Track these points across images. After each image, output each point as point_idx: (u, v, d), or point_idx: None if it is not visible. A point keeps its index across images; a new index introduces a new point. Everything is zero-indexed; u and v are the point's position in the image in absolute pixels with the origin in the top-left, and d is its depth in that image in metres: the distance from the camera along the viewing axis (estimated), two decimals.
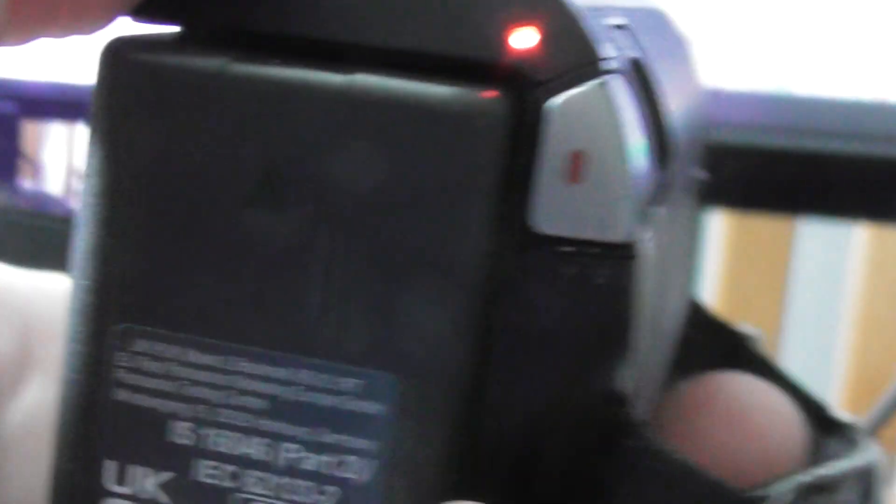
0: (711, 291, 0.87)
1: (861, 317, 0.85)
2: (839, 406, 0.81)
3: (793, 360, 0.90)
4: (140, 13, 0.15)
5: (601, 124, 0.14)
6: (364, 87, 0.14)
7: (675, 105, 0.18)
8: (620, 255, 0.14)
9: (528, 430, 0.15)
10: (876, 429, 0.64)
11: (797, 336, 0.92)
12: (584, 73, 0.14)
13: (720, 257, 0.87)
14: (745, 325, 0.27)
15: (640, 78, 0.16)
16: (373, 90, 0.14)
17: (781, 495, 0.17)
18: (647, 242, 0.15)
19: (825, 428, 0.23)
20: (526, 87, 0.14)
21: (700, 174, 0.25)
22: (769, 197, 0.55)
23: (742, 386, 0.23)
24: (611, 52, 0.15)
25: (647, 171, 0.15)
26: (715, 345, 0.26)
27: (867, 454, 0.21)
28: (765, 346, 0.27)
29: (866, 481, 0.20)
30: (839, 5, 0.52)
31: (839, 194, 0.55)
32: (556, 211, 0.14)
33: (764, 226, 0.86)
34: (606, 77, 0.14)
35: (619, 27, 0.17)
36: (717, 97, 0.53)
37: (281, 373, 0.14)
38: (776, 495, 0.17)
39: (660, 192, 0.16)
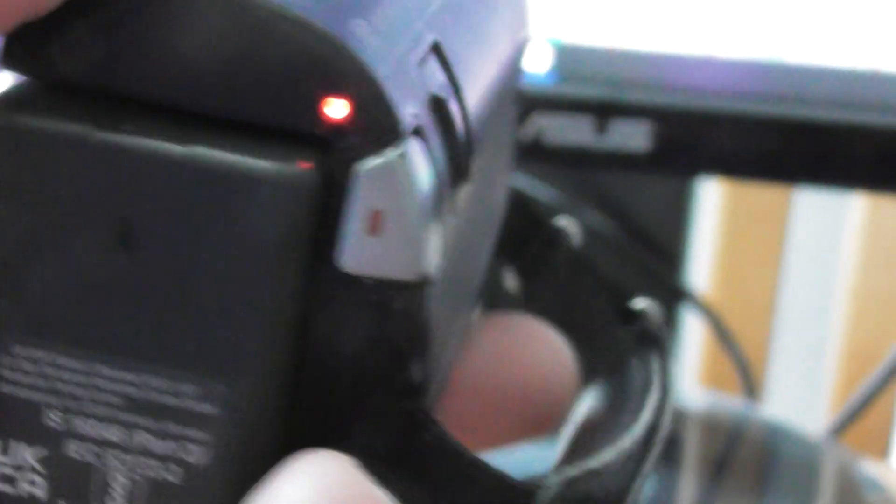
0: (706, 261, 0.86)
1: (857, 287, 0.85)
2: (835, 378, 0.82)
3: (788, 330, 0.89)
4: None
5: (396, 188, 0.17)
6: (201, 159, 0.17)
7: (481, 85, 0.21)
8: (414, 286, 0.18)
9: (341, 424, 0.18)
10: (869, 400, 0.64)
11: (792, 306, 0.91)
12: (386, 140, 0.17)
13: (715, 227, 0.86)
14: (560, 220, 0.30)
15: (441, 113, 0.19)
16: (208, 161, 0.17)
17: (558, 492, 0.19)
18: (437, 269, 0.18)
19: (633, 318, 0.26)
20: (337, 153, 0.17)
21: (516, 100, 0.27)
22: (765, 166, 0.55)
23: (513, 323, 0.25)
24: (411, 110, 0.17)
25: (439, 200, 0.18)
26: (535, 237, 0.29)
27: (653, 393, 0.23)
28: (576, 239, 0.29)
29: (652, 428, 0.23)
30: None
31: (836, 163, 0.54)
32: (359, 257, 0.17)
33: (759, 195, 0.85)
34: (404, 142, 0.17)
35: (432, 49, 0.19)
36: (710, 65, 0.53)
37: (132, 377, 0.17)
38: (545, 487, 0.19)
39: (455, 196, 0.19)
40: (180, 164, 0.17)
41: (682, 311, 0.64)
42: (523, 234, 0.30)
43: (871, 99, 0.52)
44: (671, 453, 0.62)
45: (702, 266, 0.84)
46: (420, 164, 0.17)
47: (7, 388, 0.18)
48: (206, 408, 0.17)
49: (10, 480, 0.18)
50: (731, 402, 0.69)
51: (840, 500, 0.59)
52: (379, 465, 0.18)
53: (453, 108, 0.19)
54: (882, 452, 0.77)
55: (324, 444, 0.18)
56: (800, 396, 0.90)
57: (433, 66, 0.19)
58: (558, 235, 0.29)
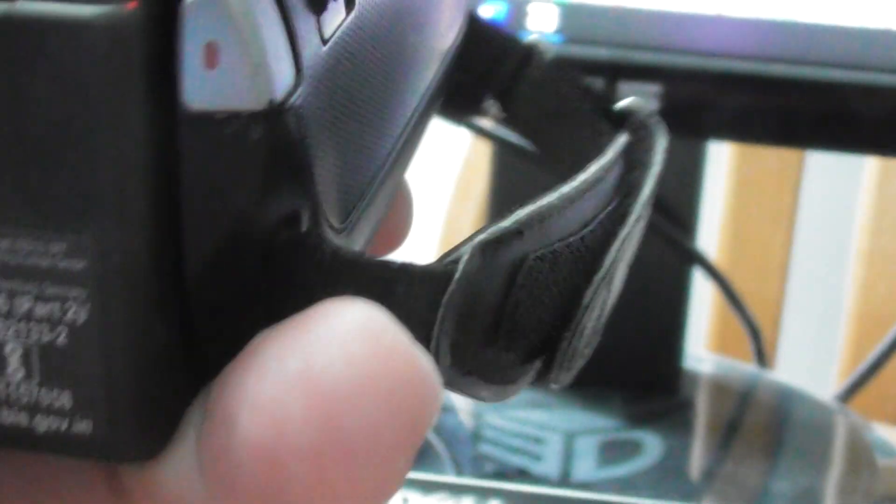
0: (716, 225, 0.86)
1: (869, 251, 0.84)
2: (847, 343, 0.80)
3: (799, 294, 0.89)
4: None
5: (224, 15, 0.17)
6: (23, 14, 0.16)
7: None
8: (267, 113, 0.17)
9: (217, 267, 0.18)
10: (880, 365, 0.63)
11: (804, 270, 0.91)
12: None
13: (725, 190, 0.86)
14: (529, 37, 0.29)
15: None
16: (31, 15, 0.16)
17: (469, 258, 0.18)
18: (300, 92, 0.18)
19: (615, 122, 0.25)
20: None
21: None
22: (775, 129, 0.54)
23: None
24: None
25: (287, 25, 0.18)
26: (506, 56, 0.29)
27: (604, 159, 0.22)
28: (549, 53, 0.29)
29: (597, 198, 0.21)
30: None
31: (848, 126, 0.53)
32: (202, 92, 0.17)
33: (771, 158, 0.84)
34: None
35: None
36: (720, 25, 0.52)
37: (6, 243, 0.17)
38: (464, 260, 0.18)
39: (320, 23, 0.19)
40: (4, 21, 0.16)
41: (693, 274, 0.63)
42: (493, 59, 0.29)
43: (884, 59, 0.52)
44: (682, 416, 0.62)
45: (712, 229, 0.84)
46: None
47: None
48: (77, 263, 0.17)
49: None
50: (742, 367, 0.68)
51: (852, 464, 0.58)
52: (285, 297, 0.18)
53: None
54: (893, 417, 0.77)
55: (215, 289, 0.18)
56: (811, 361, 0.90)
57: None
58: (530, 51, 0.29)
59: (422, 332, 0.18)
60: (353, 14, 0.20)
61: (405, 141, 0.25)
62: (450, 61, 0.28)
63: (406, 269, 0.18)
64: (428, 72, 0.26)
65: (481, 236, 0.19)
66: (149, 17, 0.17)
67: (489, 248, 0.19)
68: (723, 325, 0.84)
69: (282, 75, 0.18)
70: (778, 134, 0.55)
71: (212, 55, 0.17)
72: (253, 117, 0.17)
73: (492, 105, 0.30)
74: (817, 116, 0.53)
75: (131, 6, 0.17)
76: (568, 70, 0.28)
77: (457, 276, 0.18)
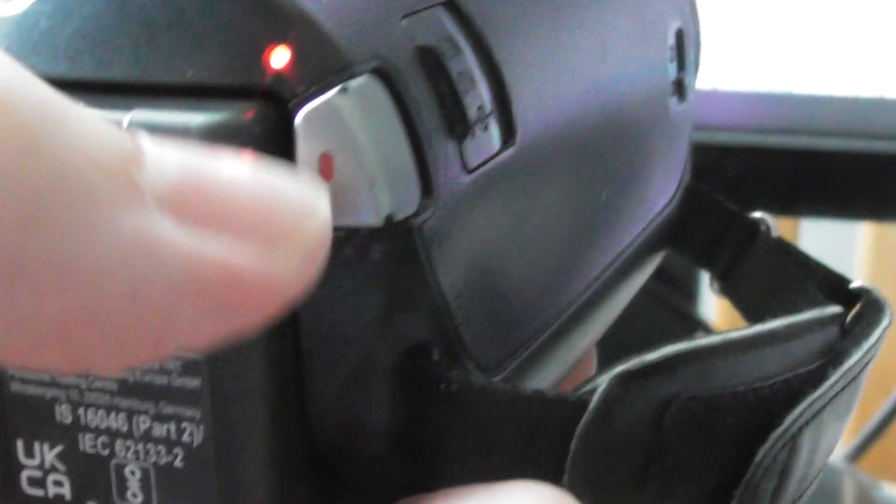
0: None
1: None
2: None
3: None
4: None
5: (340, 126, 0.16)
6: (143, 123, 0.16)
7: (541, 59, 0.20)
8: (390, 231, 0.17)
9: (343, 394, 0.17)
10: (888, 424, 0.63)
11: None
12: (331, 83, 0.17)
13: None
14: (757, 212, 0.28)
15: (430, 62, 0.18)
16: (151, 124, 0.16)
17: (606, 388, 0.17)
18: (429, 214, 0.17)
19: (850, 301, 0.23)
20: (285, 101, 0.17)
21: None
22: (772, 197, 0.55)
23: None
24: (371, 52, 0.17)
25: (419, 146, 0.17)
26: (729, 233, 0.28)
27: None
28: (773, 230, 0.28)
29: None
30: (832, 3, 0.52)
31: (841, 193, 0.54)
32: None
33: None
34: (350, 83, 0.17)
35: (440, 6, 0.19)
36: (715, 99, 0.53)
37: None
38: (600, 390, 0.17)
39: (463, 149, 0.18)
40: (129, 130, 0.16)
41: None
42: (714, 233, 0.29)
43: (875, 126, 0.53)
44: None
45: (712, 297, 0.84)
46: (375, 103, 0.17)
47: (17, 387, 0.18)
48: (191, 382, 0.17)
49: (38, 483, 0.18)
50: None
51: None
52: (409, 423, 0.17)
53: (458, 61, 0.19)
54: None
55: (339, 412, 0.17)
56: None
57: (434, 20, 0.19)
58: (755, 227, 0.28)
59: (552, 461, 0.17)
60: (511, 151, 0.20)
61: (591, 301, 0.23)
62: (660, 229, 0.27)
63: (538, 396, 0.17)
64: (626, 234, 0.25)
65: (622, 367, 0.18)
66: (265, 125, 0.17)
67: (630, 380, 0.18)
68: None
69: (405, 193, 0.17)
70: (774, 203, 0.56)
71: (327, 166, 0.16)
72: (373, 234, 0.17)
73: (713, 280, 0.29)
74: (812, 184, 0.54)
75: (248, 115, 0.16)
76: (794, 248, 0.27)
77: (592, 405, 0.17)
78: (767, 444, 0.19)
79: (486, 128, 0.19)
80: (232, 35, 0.17)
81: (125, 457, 0.18)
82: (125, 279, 0.13)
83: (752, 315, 0.28)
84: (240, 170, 0.14)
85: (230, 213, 0.14)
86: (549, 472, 0.17)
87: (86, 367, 0.13)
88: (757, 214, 0.29)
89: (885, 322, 0.23)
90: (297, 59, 0.17)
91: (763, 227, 0.28)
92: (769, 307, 0.26)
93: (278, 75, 0.17)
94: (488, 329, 0.19)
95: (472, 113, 0.19)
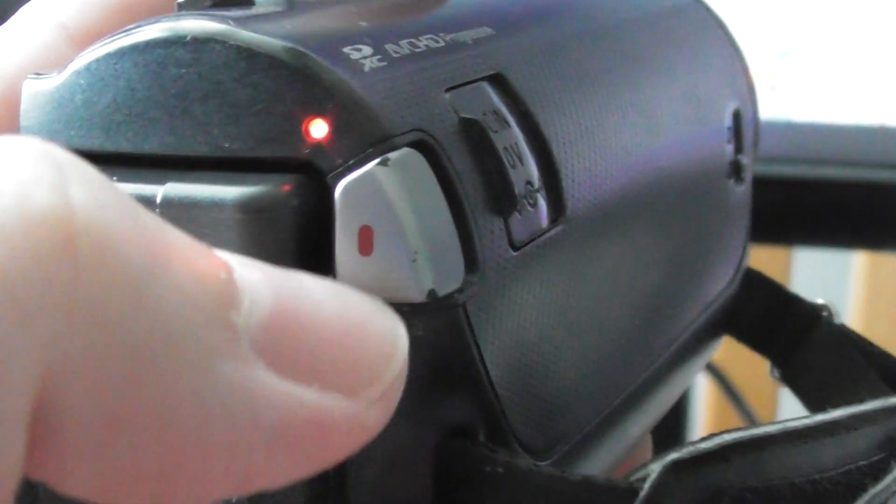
0: None
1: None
2: None
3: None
4: None
5: (380, 200, 0.16)
6: (178, 196, 0.16)
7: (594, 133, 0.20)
8: (433, 308, 0.16)
9: (384, 479, 0.17)
10: None
11: None
12: (371, 155, 0.16)
13: None
14: (818, 299, 0.28)
15: (475, 137, 0.18)
16: (185, 197, 0.16)
17: (657, 476, 0.16)
18: (474, 291, 0.17)
19: None
20: (323, 173, 0.16)
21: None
22: (764, 227, 0.54)
23: None
24: (412, 124, 0.17)
25: (465, 222, 0.17)
26: (788, 319, 0.27)
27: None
28: (835, 317, 0.28)
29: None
30: (833, 29, 0.52)
31: (835, 222, 0.54)
32: (357, 279, 0.16)
33: (761, 254, 0.85)
34: (390, 155, 0.16)
35: (486, 80, 0.19)
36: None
37: None
38: (651, 478, 0.16)
39: (509, 226, 0.18)
40: (161, 206, 0.16)
41: None
42: (772, 319, 0.28)
43: (870, 155, 0.52)
44: None
45: None
46: (416, 175, 0.17)
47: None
48: None
49: None
50: None
51: None
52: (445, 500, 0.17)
53: (505, 135, 0.18)
54: None
55: (374, 501, 0.17)
56: None
57: (480, 94, 0.19)
58: (817, 315, 0.27)
59: None
60: (560, 228, 0.19)
61: (646, 386, 0.23)
62: (718, 313, 0.26)
63: (587, 482, 0.17)
64: (683, 318, 0.25)
65: (674, 455, 0.17)
66: (303, 198, 0.16)
67: (683, 468, 0.17)
68: (721, 420, 0.84)
69: (449, 268, 0.17)
70: (766, 232, 0.56)
71: (366, 240, 0.16)
72: (415, 310, 0.16)
73: (773, 368, 0.28)
74: (805, 213, 0.54)
75: (286, 188, 0.16)
76: (857, 336, 0.26)
77: (642, 493, 0.16)
78: None
79: (534, 204, 0.19)
80: (269, 106, 0.17)
81: None
82: (224, 428, 0.13)
83: (814, 404, 0.27)
84: (325, 304, 0.14)
85: (320, 363, 0.14)
86: None
87: None
88: (819, 301, 0.28)
89: None
90: (335, 131, 0.16)
91: (825, 314, 0.28)
92: (830, 396, 0.26)
93: (316, 147, 0.16)
94: (536, 412, 0.19)
95: (519, 188, 0.18)
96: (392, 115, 0.17)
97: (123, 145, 0.17)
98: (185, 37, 0.17)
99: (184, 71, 0.17)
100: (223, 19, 0.17)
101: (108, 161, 0.17)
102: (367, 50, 0.17)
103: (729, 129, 0.27)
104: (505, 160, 0.18)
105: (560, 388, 0.19)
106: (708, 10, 0.28)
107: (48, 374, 0.12)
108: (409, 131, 0.17)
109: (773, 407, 0.85)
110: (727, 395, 0.66)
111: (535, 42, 0.21)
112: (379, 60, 0.17)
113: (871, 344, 0.26)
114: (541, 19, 0.22)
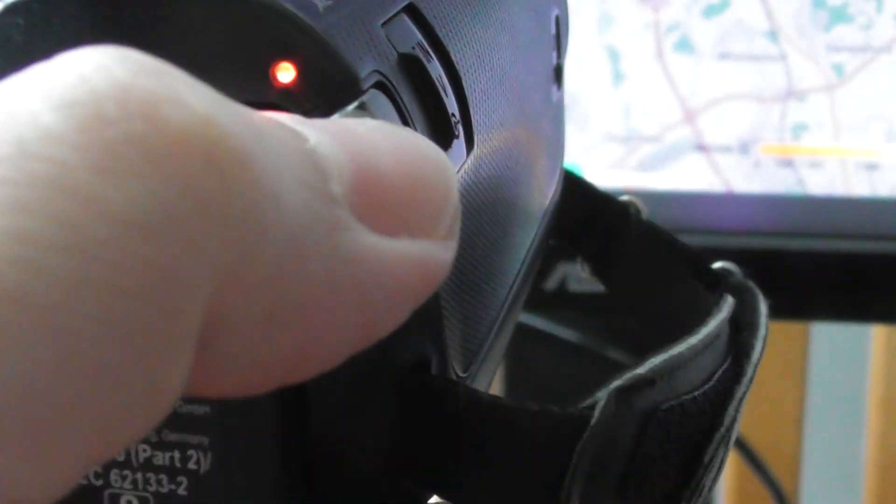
0: None
1: (884, 398, 0.83)
2: (869, 494, 0.80)
3: (818, 446, 0.85)
4: None
5: None
6: None
7: (480, 49, 0.21)
8: None
9: (343, 413, 0.17)
10: None
11: (820, 421, 0.84)
12: (343, 98, 0.16)
13: None
14: (625, 196, 0.29)
15: (413, 70, 0.18)
16: None
17: (606, 403, 0.18)
18: None
19: (709, 281, 0.26)
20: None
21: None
22: (780, 302, 0.54)
23: None
24: (370, 65, 0.17)
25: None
26: (599, 216, 0.29)
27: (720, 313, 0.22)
28: (643, 212, 0.29)
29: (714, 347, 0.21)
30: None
31: (854, 296, 0.55)
32: None
33: (777, 329, 0.79)
34: (363, 97, 0.16)
35: (405, 10, 0.19)
36: (729, 202, 0.54)
37: None
38: (599, 405, 0.18)
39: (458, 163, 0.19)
40: None
41: None
42: (586, 217, 0.29)
43: (882, 227, 0.53)
44: None
45: None
46: (385, 116, 0.17)
47: None
48: (199, 409, 0.17)
49: None
50: None
51: None
52: (410, 439, 0.17)
53: (433, 67, 0.19)
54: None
55: (342, 436, 0.17)
56: None
57: (405, 27, 0.19)
58: (625, 211, 0.29)
59: (553, 476, 0.17)
60: (472, 157, 0.20)
61: (515, 296, 0.24)
62: (549, 220, 0.27)
63: (543, 413, 0.17)
64: (531, 228, 0.26)
65: (617, 382, 0.18)
66: None
67: (624, 395, 0.18)
68: (743, 484, 0.84)
69: None
70: (784, 308, 0.55)
71: None
72: None
73: (583, 266, 0.30)
74: (823, 288, 0.54)
75: None
76: (662, 230, 0.28)
77: (593, 421, 0.17)
78: (713, 445, 0.20)
79: (458, 135, 0.19)
80: (234, 50, 0.16)
81: (121, 486, 0.17)
82: (353, 295, 0.14)
83: (624, 295, 0.29)
84: (387, 150, 0.14)
85: (404, 212, 0.14)
86: (548, 487, 0.17)
87: (294, 378, 0.14)
88: (625, 198, 0.29)
89: (763, 308, 0.24)
90: (303, 75, 0.16)
91: (633, 210, 0.29)
92: (641, 289, 0.28)
93: (284, 91, 0.16)
94: (462, 334, 0.19)
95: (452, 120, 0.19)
96: (353, 57, 0.17)
97: None
98: None
99: (141, 12, 0.16)
100: None
101: None
102: None
103: (553, 36, 0.28)
104: (440, 93, 0.19)
105: (472, 315, 0.20)
106: None
107: (214, 292, 0.12)
108: (371, 73, 0.17)
109: (796, 469, 0.84)
110: (748, 462, 0.66)
111: None
112: (331, 3, 0.17)
113: (674, 238, 0.28)
114: None
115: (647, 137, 0.53)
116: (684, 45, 0.53)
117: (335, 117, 0.16)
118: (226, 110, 0.13)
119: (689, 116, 0.53)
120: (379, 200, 0.14)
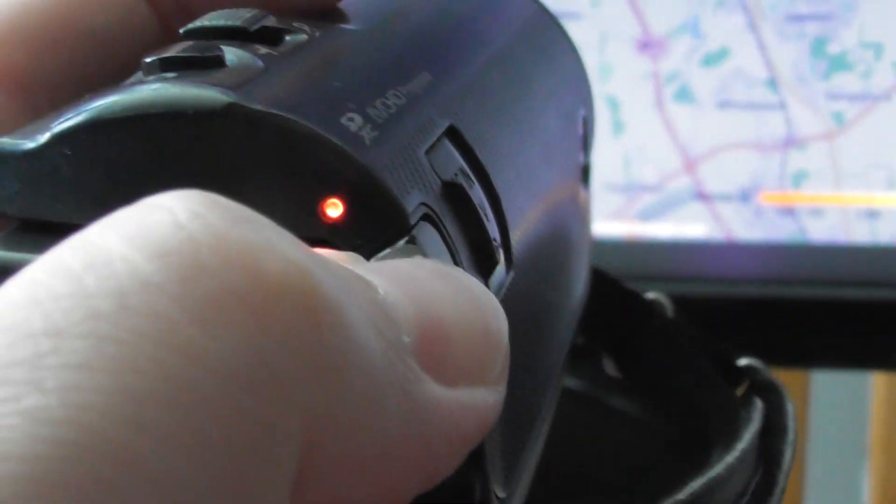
0: None
1: (886, 445, 0.83)
2: None
3: (819, 493, 0.82)
4: None
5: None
6: None
7: (519, 166, 0.21)
8: None
9: None
10: None
11: (821, 467, 0.80)
12: (394, 232, 0.16)
13: None
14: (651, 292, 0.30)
15: (457, 199, 0.18)
16: None
17: None
18: None
19: (735, 378, 0.26)
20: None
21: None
22: (782, 352, 0.55)
23: None
24: (417, 197, 0.17)
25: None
26: (628, 314, 0.29)
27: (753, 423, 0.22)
28: (669, 310, 0.30)
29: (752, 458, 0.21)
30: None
31: (854, 343, 0.55)
32: None
33: (778, 377, 0.78)
34: (412, 232, 0.16)
35: (447, 135, 0.19)
36: (724, 251, 0.54)
37: None
38: None
39: (488, 283, 0.19)
40: None
41: None
42: (614, 315, 0.29)
43: (883, 274, 0.53)
44: None
45: None
46: (433, 249, 0.17)
47: None
48: None
49: None
50: None
51: None
52: None
53: (475, 193, 0.19)
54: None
55: None
56: None
57: (448, 153, 0.19)
58: (651, 309, 0.29)
59: None
60: (511, 278, 0.20)
61: (548, 405, 0.23)
62: (579, 322, 0.27)
63: None
64: (566, 337, 0.25)
65: (680, 497, 0.19)
66: None
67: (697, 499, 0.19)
68: None
69: None
70: (784, 355, 0.56)
71: None
72: None
73: (608, 363, 0.30)
74: (824, 336, 0.54)
75: None
76: (688, 327, 0.28)
77: None
78: None
79: (499, 259, 0.19)
80: (283, 185, 0.16)
81: None
82: (420, 444, 0.14)
83: (648, 393, 0.29)
84: (448, 297, 0.15)
85: (464, 362, 0.15)
86: None
87: None
88: (652, 296, 0.30)
89: (791, 409, 0.24)
90: (354, 211, 0.16)
91: (660, 308, 0.30)
92: (664, 386, 0.28)
93: (334, 227, 0.16)
94: (502, 451, 0.19)
95: (498, 246, 0.19)
96: (401, 191, 0.16)
97: None
98: (186, 109, 0.16)
99: (186, 146, 0.16)
100: (224, 90, 0.16)
101: None
102: (358, 119, 0.17)
103: (580, 136, 0.28)
104: (482, 221, 0.19)
105: (515, 427, 0.20)
106: (548, 12, 0.28)
107: (305, 441, 0.12)
108: (418, 205, 0.17)
109: None
110: None
111: (462, 82, 0.21)
112: (371, 130, 0.17)
113: (701, 334, 0.28)
114: (455, 53, 0.22)
115: (648, 187, 0.54)
116: (684, 95, 0.53)
117: (386, 253, 0.16)
118: (314, 258, 0.13)
119: (690, 165, 0.53)
120: (442, 352, 0.14)
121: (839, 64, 0.52)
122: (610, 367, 0.30)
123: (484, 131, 0.20)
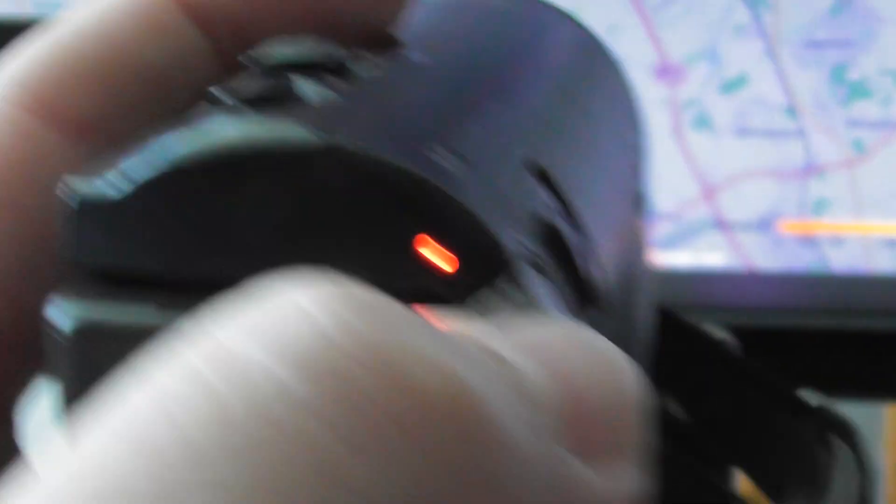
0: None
1: None
2: None
3: None
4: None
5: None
6: None
7: (599, 205, 0.21)
8: None
9: None
10: None
11: None
12: (498, 275, 0.15)
13: None
14: (716, 332, 0.29)
15: (555, 241, 0.18)
16: None
17: None
18: None
19: (798, 413, 0.26)
20: (447, 300, 0.15)
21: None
22: (802, 379, 0.53)
23: None
24: (516, 238, 0.16)
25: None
26: (691, 350, 0.29)
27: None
28: (736, 350, 0.29)
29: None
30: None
31: (872, 374, 0.55)
32: None
33: None
34: (519, 279, 0.15)
35: (536, 174, 0.18)
36: (754, 281, 0.54)
37: None
38: None
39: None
40: None
41: None
42: (680, 355, 0.29)
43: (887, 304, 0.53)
44: None
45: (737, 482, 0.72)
46: (541, 297, 0.16)
47: None
48: None
49: None
50: None
51: None
52: None
53: (569, 235, 0.18)
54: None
55: None
56: None
57: (539, 191, 0.18)
58: (718, 348, 0.29)
59: None
60: (595, 315, 0.19)
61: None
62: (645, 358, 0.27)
63: None
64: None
65: None
66: None
67: None
68: None
69: None
70: (804, 385, 0.53)
71: None
72: None
73: (674, 404, 0.29)
74: (847, 366, 0.54)
75: None
76: (757, 367, 0.28)
77: None
78: None
79: (598, 305, 0.19)
80: (383, 234, 0.15)
81: None
82: None
83: (717, 434, 0.29)
84: (583, 366, 0.14)
85: (606, 437, 0.14)
86: None
87: None
88: (719, 335, 0.29)
89: (865, 447, 0.24)
90: (455, 256, 0.15)
91: (726, 348, 0.29)
92: (731, 429, 0.28)
93: (435, 274, 0.15)
94: None
95: (592, 287, 0.18)
96: (503, 234, 0.16)
97: (214, 274, 0.15)
98: (274, 150, 0.15)
99: (273, 188, 0.15)
100: (313, 128, 0.15)
101: (198, 292, 0.15)
102: (455, 160, 0.16)
103: (634, 165, 0.27)
104: (580, 262, 0.18)
105: None
106: (595, 38, 0.27)
107: None
108: (521, 250, 0.16)
109: None
110: None
111: (538, 116, 0.21)
112: (467, 171, 0.16)
113: (770, 373, 0.28)
114: (523, 84, 0.21)
115: (666, 215, 0.53)
116: (702, 122, 0.52)
117: (495, 299, 0.15)
118: (459, 357, 0.12)
119: (708, 193, 0.53)
120: (585, 428, 0.13)
121: (859, 91, 0.52)
122: (677, 408, 0.29)
123: (565, 167, 0.20)
